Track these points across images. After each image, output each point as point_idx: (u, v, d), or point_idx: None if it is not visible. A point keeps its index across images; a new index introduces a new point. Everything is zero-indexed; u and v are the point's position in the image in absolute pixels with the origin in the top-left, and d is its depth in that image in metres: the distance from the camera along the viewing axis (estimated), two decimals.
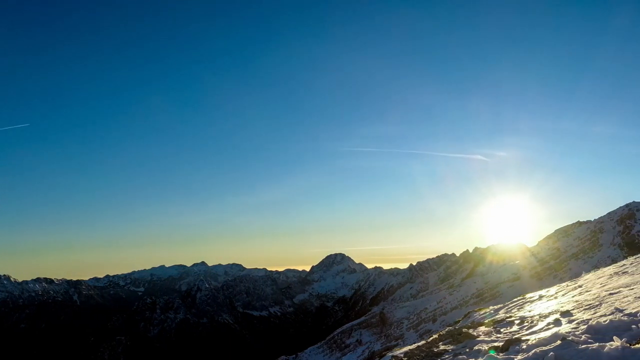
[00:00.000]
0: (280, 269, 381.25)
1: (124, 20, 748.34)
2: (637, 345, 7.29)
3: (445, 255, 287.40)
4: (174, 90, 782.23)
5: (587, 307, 12.23)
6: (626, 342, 7.55)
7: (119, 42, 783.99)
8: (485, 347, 11.07)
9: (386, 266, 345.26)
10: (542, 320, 12.42)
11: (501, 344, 10.46)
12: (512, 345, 9.97)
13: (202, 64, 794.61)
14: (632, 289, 12.67)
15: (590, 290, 15.46)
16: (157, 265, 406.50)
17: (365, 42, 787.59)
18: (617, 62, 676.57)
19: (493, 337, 12.29)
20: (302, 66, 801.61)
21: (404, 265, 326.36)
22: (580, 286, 17.90)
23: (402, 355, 14.36)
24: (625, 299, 11.52)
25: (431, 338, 15.72)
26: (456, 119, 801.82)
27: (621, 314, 9.84)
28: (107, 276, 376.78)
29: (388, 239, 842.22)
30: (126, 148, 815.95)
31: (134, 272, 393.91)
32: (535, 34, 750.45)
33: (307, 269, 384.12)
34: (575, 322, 10.66)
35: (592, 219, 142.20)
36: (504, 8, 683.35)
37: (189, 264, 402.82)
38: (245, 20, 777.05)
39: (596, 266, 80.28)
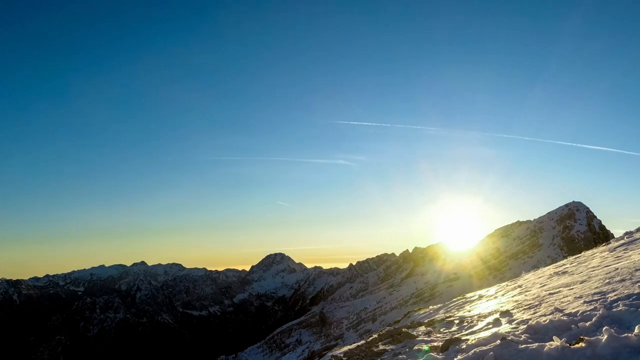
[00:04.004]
0: (220, 269, 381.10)
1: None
2: (576, 345, 7.16)
3: (385, 255, 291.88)
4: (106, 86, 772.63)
5: (527, 307, 12.21)
6: (566, 342, 7.43)
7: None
8: (424, 346, 10.90)
9: (326, 266, 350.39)
10: (482, 320, 12.38)
11: (441, 343, 10.34)
12: (451, 345, 9.84)
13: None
14: (572, 288, 12.72)
15: (530, 290, 15.54)
16: (96, 265, 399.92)
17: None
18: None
19: (433, 337, 12.18)
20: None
21: (343, 265, 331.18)
22: (520, 286, 18.04)
23: (341, 355, 14.18)
24: (565, 298, 11.53)
25: (371, 338, 15.56)
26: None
27: (561, 314, 9.78)
28: (47, 276, 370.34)
29: (327, 238, 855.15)
30: (61, 147, 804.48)
31: (73, 272, 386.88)
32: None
33: (247, 268, 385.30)
34: (515, 322, 10.59)
35: (532, 219, 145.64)
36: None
37: (128, 264, 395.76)
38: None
39: (536, 266, 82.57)
